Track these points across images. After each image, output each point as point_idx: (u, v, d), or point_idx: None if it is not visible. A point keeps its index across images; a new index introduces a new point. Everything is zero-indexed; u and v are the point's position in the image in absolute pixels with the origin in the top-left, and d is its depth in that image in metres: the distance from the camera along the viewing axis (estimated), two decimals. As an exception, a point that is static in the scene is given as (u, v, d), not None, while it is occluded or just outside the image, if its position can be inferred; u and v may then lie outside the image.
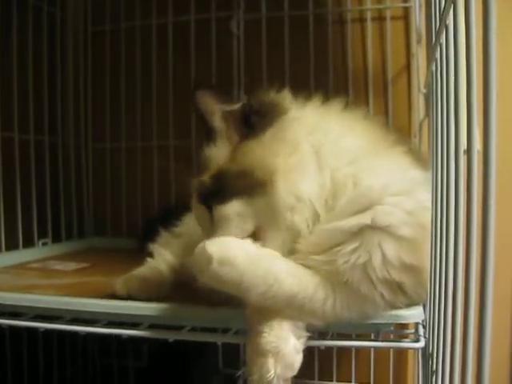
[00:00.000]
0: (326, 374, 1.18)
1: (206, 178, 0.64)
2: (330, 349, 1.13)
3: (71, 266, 1.00)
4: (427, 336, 0.63)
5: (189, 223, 0.81)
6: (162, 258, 0.80)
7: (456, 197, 0.44)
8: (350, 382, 1.17)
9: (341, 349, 1.14)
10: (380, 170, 0.59)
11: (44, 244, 1.15)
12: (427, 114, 0.90)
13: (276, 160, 0.60)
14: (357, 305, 0.57)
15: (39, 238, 1.14)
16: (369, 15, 1.13)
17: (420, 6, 1.05)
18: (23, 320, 0.70)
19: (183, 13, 1.22)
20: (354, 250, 0.56)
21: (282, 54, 1.16)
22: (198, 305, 0.65)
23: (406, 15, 1.12)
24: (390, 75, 1.12)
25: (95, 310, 0.67)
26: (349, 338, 0.68)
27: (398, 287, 0.57)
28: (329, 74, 1.13)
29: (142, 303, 0.66)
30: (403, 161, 0.62)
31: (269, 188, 0.59)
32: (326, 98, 0.68)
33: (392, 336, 0.87)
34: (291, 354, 0.56)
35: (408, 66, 1.12)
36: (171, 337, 0.66)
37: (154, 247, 0.83)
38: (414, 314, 0.60)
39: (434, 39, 0.60)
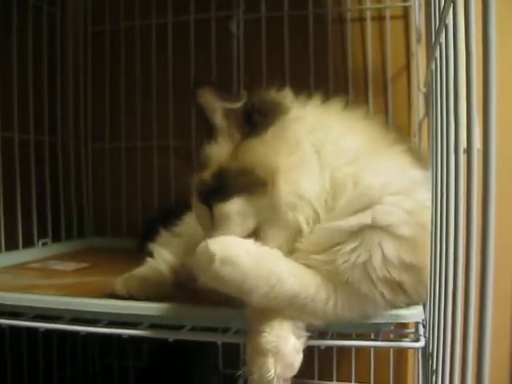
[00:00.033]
0: (325, 374, 1.18)
1: (206, 175, 0.64)
2: (329, 348, 1.13)
3: (71, 265, 1.00)
4: (427, 335, 0.63)
5: (189, 222, 0.81)
6: (162, 257, 0.80)
7: (456, 196, 0.44)
8: (350, 381, 1.17)
9: (341, 348, 1.14)
10: (380, 169, 0.59)
11: (44, 244, 1.15)
12: (427, 113, 0.90)
13: (277, 159, 0.60)
14: (357, 304, 0.57)
15: (39, 238, 1.14)
16: (368, 15, 1.13)
17: (420, 5, 1.05)
18: (23, 320, 0.70)
19: (183, 13, 1.22)
20: (354, 250, 0.56)
21: (281, 54, 1.16)
22: (198, 304, 0.65)
23: (405, 15, 1.12)
24: (389, 74, 1.12)
25: (95, 309, 0.67)
26: (349, 337, 0.68)
27: (398, 286, 0.57)
28: (329, 74, 1.13)
29: (142, 303, 0.66)
30: (403, 160, 0.62)
31: (270, 186, 0.59)
32: (326, 97, 0.68)
33: (392, 335, 0.87)
34: (291, 354, 0.56)
35: (408, 66, 1.12)
36: (171, 336, 0.66)
37: (154, 247, 0.83)
38: (413, 314, 0.60)
39: (433, 38, 0.60)
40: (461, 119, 0.41)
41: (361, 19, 1.14)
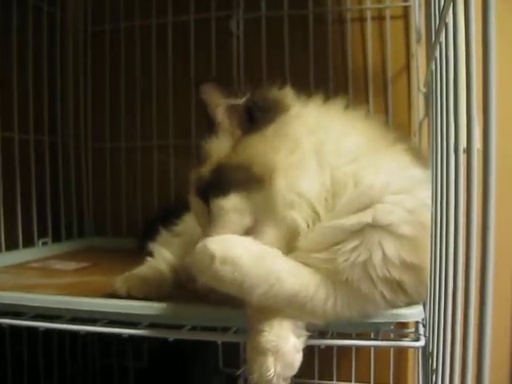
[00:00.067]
0: (325, 373, 1.18)
1: (205, 170, 0.64)
2: (330, 348, 1.13)
3: (71, 265, 1.00)
4: (427, 335, 0.63)
5: (189, 222, 0.81)
6: (162, 257, 0.80)
7: (456, 196, 0.44)
8: (350, 381, 1.17)
9: (341, 348, 1.14)
10: (380, 169, 0.59)
11: (44, 243, 1.15)
12: (427, 113, 0.90)
13: (276, 156, 0.60)
14: (357, 304, 0.57)
15: (39, 237, 1.14)
16: (369, 14, 1.13)
17: (420, 5, 1.05)
18: (23, 319, 0.70)
19: (183, 13, 1.22)
20: (355, 249, 0.56)
21: (281, 54, 1.16)
22: (198, 304, 0.65)
23: (405, 14, 1.12)
24: (389, 74, 1.12)
25: (95, 309, 0.67)
26: (349, 337, 0.68)
27: (398, 286, 0.57)
28: (329, 74, 1.13)
29: (142, 302, 0.66)
30: (403, 159, 0.62)
31: (267, 183, 0.59)
32: (326, 96, 0.68)
33: (392, 335, 0.87)
34: (291, 353, 0.56)
35: (408, 65, 1.12)
36: (171, 336, 0.66)
37: (153, 246, 0.83)
38: (414, 313, 0.60)
39: (433, 38, 0.60)
40: (461, 119, 0.41)
41: (361, 19, 1.14)
